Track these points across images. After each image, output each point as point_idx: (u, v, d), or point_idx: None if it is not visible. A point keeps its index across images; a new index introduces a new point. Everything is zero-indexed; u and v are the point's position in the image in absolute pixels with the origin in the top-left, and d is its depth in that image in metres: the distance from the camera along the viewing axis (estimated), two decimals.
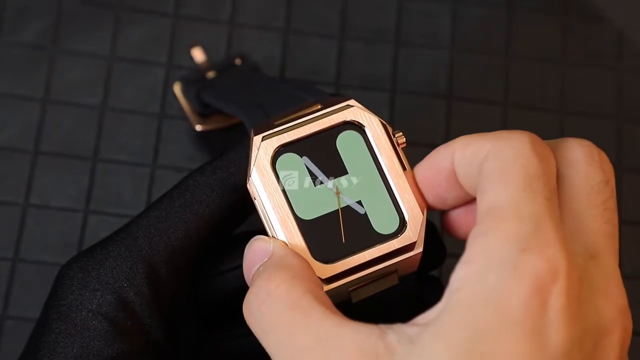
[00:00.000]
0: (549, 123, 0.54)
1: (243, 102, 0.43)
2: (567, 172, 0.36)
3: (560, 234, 0.33)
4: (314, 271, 0.36)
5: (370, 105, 0.40)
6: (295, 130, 0.38)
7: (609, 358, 0.33)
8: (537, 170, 0.34)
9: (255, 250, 0.37)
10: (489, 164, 0.35)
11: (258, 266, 0.36)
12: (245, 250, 0.37)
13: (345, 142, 0.38)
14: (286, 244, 0.37)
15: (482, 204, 0.34)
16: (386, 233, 0.38)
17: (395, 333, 0.33)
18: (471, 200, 0.38)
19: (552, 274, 0.32)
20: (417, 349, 0.32)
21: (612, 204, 0.36)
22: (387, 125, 0.39)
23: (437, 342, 0.32)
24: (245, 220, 0.41)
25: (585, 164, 0.36)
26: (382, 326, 0.33)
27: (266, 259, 0.36)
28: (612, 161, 0.53)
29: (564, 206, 0.35)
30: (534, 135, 0.35)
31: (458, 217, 0.39)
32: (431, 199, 0.38)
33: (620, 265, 0.36)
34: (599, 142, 0.54)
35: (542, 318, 0.32)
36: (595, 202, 0.35)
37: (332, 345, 0.33)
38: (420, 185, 0.38)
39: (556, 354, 0.32)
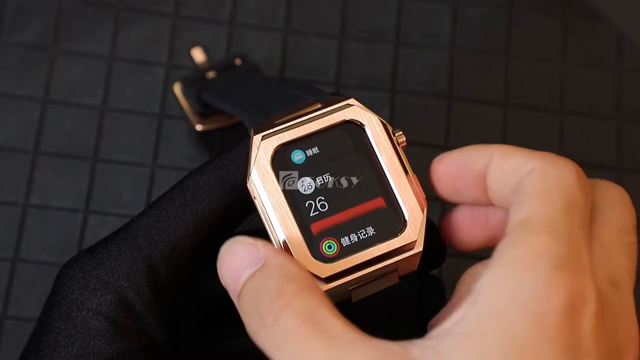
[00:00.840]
0: (549, 123, 0.54)
1: (243, 102, 0.43)
2: (604, 208, 0.36)
3: (590, 260, 0.34)
4: (313, 278, 0.36)
5: (370, 105, 0.40)
6: (295, 129, 0.38)
7: None
8: (577, 198, 0.35)
9: (240, 255, 0.35)
10: (532, 180, 0.35)
11: (249, 272, 0.35)
12: (223, 253, 0.36)
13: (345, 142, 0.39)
14: (277, 249, 0.35)
15: (516, 216, 0.34)
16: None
17: (417, 348, 0.32)
18: (483, 204, 0.38)
19: (583, 295, 0.33)
20: None
21: (636, 248, 0.36)
22: (387, 125, 0.39)
23: (468, 353, 0.31)
24: (245, 220, 0.41)
25: (620, 205, 0.37)
26: (403, 343, 0.32)
27: (259, 264, 0.35)
28: (612, 161, 0.53)
29: (594, 236, 0.36)
30: (579, 167, 0.36)
31: (462, 221, 0.39)
32: (446, 190, 0.39)
33: None
34: (599, 142, 0.54)
35: (575, 338, 0.32)
36: (624, 241, 0.36)
37: None
38: (438, 175, 0.39)
39: None
